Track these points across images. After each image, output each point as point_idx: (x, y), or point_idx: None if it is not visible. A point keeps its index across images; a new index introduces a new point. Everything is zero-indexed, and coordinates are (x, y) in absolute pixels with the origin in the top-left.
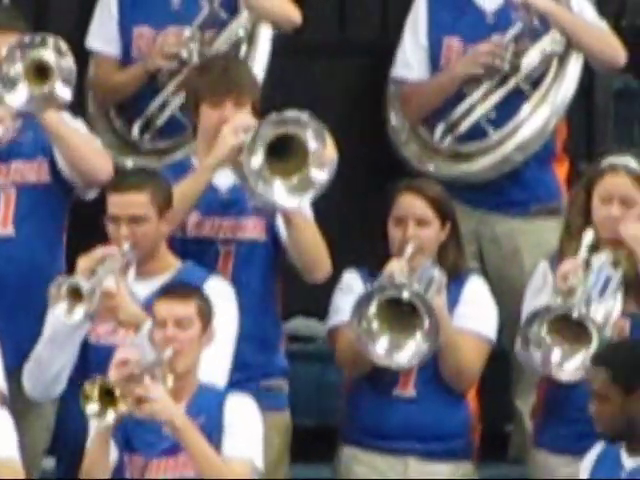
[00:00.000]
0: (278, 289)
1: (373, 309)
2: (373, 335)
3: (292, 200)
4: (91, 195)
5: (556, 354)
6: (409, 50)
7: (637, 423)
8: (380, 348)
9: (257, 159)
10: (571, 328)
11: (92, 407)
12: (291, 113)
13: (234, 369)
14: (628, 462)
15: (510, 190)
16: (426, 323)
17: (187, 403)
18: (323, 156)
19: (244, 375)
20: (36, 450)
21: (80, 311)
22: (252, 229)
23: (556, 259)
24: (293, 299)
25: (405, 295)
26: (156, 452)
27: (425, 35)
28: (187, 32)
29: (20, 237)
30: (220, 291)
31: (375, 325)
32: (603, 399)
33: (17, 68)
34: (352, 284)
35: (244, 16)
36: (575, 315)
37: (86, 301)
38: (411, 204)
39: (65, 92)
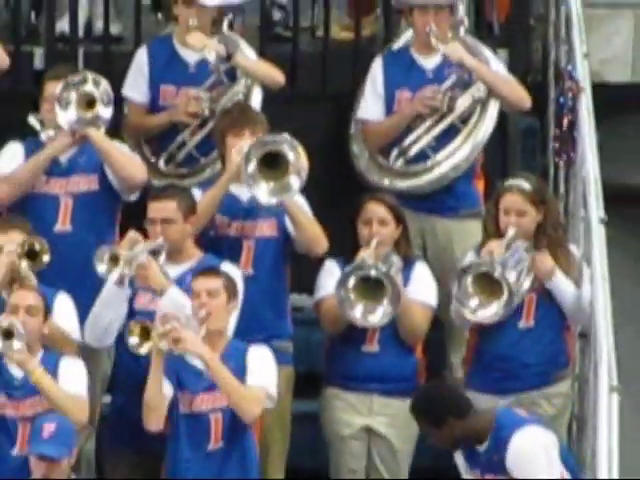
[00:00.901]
0: (287, 272)
1: (351, 283)
2: (352, 303)
3: (271, 199)
4: (133, 198)
5: (473, 302)
6: (369, 98)
7: (463, 439)
8: (358, 313)
9: (250, 167)
10: (490, 285)
11: (133, 339)
12: (270, 136)
13: (255, 331)
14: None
15: (445, 199)
16: (390, 293)
17: (221, 353)
18: (299, 164)
19: (262, 336)
20: (96, 392)
21: (115, 273)
22: (266, 229)
23: (479, 249)
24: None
25: (374, 273)
26: (199, 389)
27: (382, 87)
28: (201, 94)
29: (75, 232)
30: (231, 272)
31: (353, 296)
32: (433, 435)
33: (71, 97)
34: (332, 269)
35: (242, 82)
36: (495, 273)
37: (120, 266)
38: (375, 209)
39: (106, 112)
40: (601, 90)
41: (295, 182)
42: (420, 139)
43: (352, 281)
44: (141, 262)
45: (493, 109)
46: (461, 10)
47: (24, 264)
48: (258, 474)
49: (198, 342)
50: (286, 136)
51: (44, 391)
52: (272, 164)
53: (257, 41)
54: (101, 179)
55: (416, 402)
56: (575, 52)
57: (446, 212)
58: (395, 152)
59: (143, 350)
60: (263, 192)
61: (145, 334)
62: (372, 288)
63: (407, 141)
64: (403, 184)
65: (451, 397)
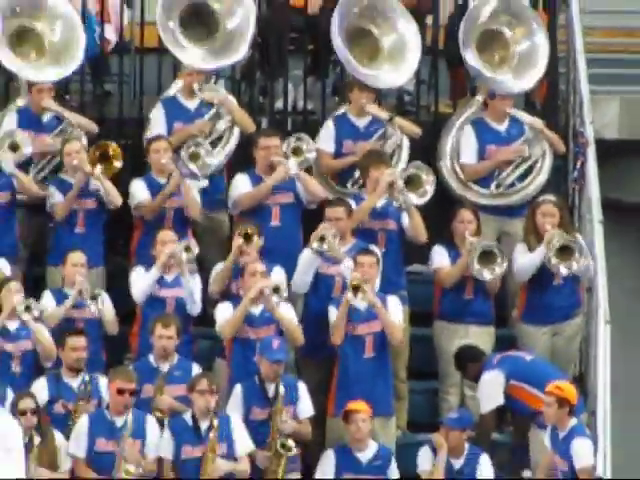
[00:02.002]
0: (403, 251)
1: (477, 254)
2: (475, 265)
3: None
4: (313, 206)
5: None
6: (468, 150)
7: (476, 375)
8: (478, 270)
9: (400, 183)
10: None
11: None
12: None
13: (389, 286)
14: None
15: (517, 209)
16: (499, 259)
17: None
18: (430, 179)
19: (392, 288)
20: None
21: (317, 247)
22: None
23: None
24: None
25: (488, 247)
26: (360, 320)
27: (475, 142)
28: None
29: (283, 227)
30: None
31: (476, 260)
32: (468, 370)
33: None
34: (440, 250)
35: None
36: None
37: (325, 244)
38: (466, 214)
39: (300, 159)
40: (600, 143)
41: (430, 189)
42: (510, 175)
43: (478, 251)
44: (331, 242)
45: (549, 157)
46: None
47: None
48: (391, 371)
49: (372, 293)
50: (419, 163)
51: (283, 321)
52: (410, 183)
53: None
54: (296, 195)
55: (457, 355)
56: (585, 120)
57: (514, 216)
58: (495, 183)
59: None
60: (413, 198)
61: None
62: (486, 255)
63: (504, 175)
64: (500, 201)
65: (471, 352)
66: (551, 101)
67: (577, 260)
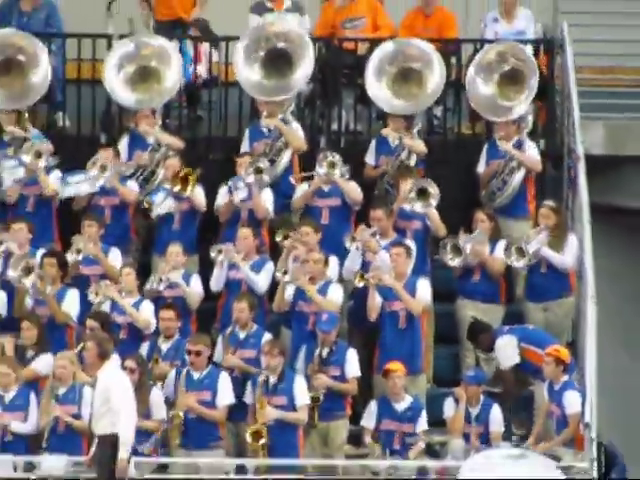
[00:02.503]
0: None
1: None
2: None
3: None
4: (357, 208)
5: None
6: (483, 160)
7: (489, 345)
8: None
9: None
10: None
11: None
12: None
13: (416, 272)
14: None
15: (517, 211)
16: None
17: (405, 282)
18: (435, 192)
19: (418, 275)
20: None
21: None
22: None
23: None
24: None
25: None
26: (393, 299)
27: (485, 156)
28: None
29: (330, 226)
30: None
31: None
32: (479, 341)
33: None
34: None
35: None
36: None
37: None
38: (482, 215)
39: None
40: (588, 158)
41: (434, 202)
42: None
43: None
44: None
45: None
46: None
47: None
48: (422, 339)
49: (390, 279)
50: (429, 179)
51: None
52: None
53: (423, 136)
54: (342, 199)
55: (469, 329)
56: (577, 140)
57: (517, 216)
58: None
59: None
60: (418, 207)
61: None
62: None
63: (493, 186)
64: (493, 203)
65: (481, 325)
66: (550, 125)
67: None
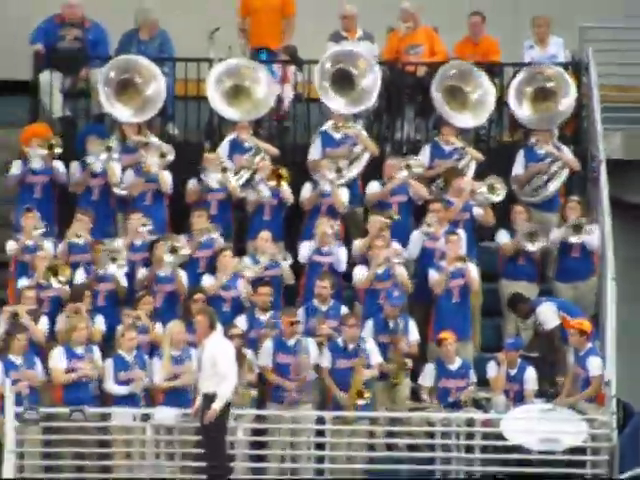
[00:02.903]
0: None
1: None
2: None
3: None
4: None
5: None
6: (520, 164)
7: (527, 312)
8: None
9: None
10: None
11: None
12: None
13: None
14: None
15: (550, 204)
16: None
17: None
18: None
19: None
20: None
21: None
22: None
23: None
24: None
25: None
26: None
27: (523, 160)
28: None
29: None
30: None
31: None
32: (518, 309)
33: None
34: (503, 234)
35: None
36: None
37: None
38: (521, 208)
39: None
40: (609, 161)
41: (503, 192)
42: (536, 182)
43: (526, 231)
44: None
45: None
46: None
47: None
48: (470, 311)
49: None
50: (495, 176)
51: (400, 277)
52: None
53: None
54: (409, 196)
55: (510, 299)
56: (599, 146)
57: (551, 209)
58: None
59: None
60: (492, 198)
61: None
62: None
63: (536, 183)
64: (535, 199)
65: (520, 296)
66: (577, 133)
67: (587, 232)
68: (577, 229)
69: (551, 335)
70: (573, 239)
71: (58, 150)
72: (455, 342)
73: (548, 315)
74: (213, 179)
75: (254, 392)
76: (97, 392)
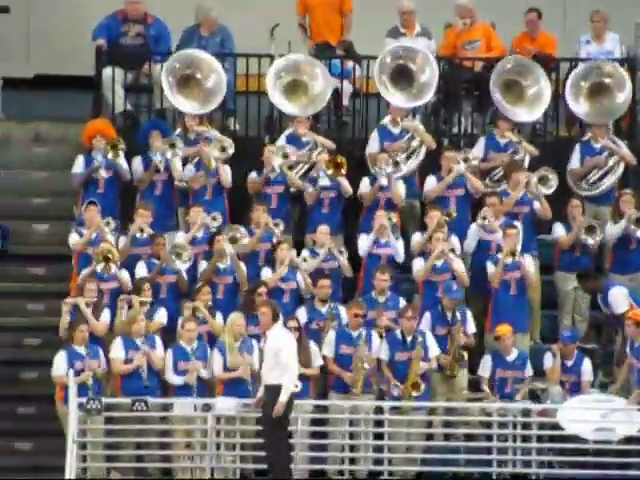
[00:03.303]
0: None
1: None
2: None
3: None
4: None
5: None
6: (576, 158)
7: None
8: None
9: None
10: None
11: None
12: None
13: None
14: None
15: (605, 198)
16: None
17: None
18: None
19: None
20: None
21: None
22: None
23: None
24: None
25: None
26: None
27: (579, 155)
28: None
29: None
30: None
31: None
32: (586, 284)
33: None
34: (558, 227)
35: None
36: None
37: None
38: (577, 201)
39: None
40: None
41: (554, 184)
42: (593, 177)
43: (585, 225)
44: (490, 220)
45: (621, 166)
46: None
47: None
48: (528, 303)
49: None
50: (548, 167)
51: (457, 270)
52: (542, 180)
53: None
54: (466, 189)
55: (579, 274)
56: None
57: (605, 203)
58: (585, 181)
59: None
60: (543, 190)
61: None
62: (590, 228)
63: (590, 176)
64: (589, 193)
65: (591, 274)
66: (632, 127)
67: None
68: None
69: (608, 327)
70: (638, 233)
71: (122, 149)
72: (512, 335)
73: (619, 298)
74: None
75: (299, 384)
76: (152, 383)
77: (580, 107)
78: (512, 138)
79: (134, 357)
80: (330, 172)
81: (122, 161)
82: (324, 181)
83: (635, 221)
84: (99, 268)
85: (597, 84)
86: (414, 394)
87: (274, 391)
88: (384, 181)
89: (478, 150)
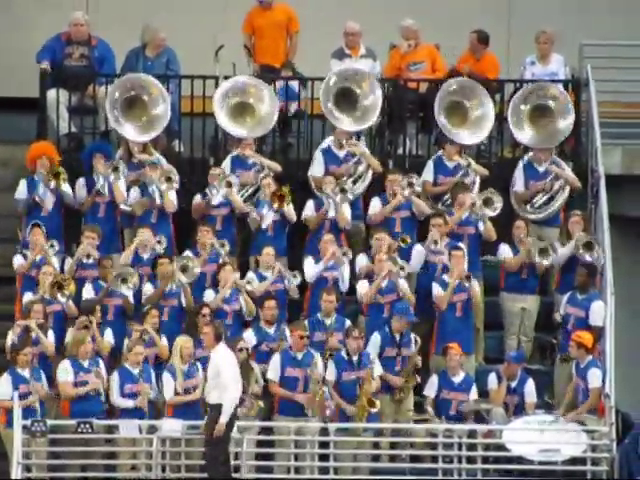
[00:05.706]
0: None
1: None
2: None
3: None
4: None
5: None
6: (519, 180)
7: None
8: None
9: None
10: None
11: None
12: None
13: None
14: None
15: (551, 221)
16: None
17: None
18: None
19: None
20: None
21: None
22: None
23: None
24: None
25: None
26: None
27: (522, 177)
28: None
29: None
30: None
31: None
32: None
33: None
34: (505, 249)
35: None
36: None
37: None
38: (522, 224)
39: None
40: (608, 177)
41: (499, 206)
42: (540, 200)
43: (537, 247)
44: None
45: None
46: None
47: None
48: (473, 324)
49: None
50: (492, 189)
51: (403, 290)
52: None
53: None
54: (411, 212)
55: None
56: (598, 162)
57: (550, 224)
58: (530, 204)
59: None
60: (488, 212)
61: None
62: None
63: (536, 199)
64: (536, 216)
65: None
66: (577, 149)
67: (597, 252)
68: (588, 246)
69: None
70: (587, 257)
71: (64, 179)
72: (460, 353)
73: (601, 313)
74: (217, 194)
75: (261, 404)
76: (104, 405)
77: (524, 134)
78: (460, 161)
79: (83, 379)
80: (275, 206)
81: (66, 187)
82: (269, 214)
83: (584, 245)
84: (48, 295)
85: (540, 106)
86: (373, 411)
87: (216, 410)
88: (331, 210)
89: (427, 174)
